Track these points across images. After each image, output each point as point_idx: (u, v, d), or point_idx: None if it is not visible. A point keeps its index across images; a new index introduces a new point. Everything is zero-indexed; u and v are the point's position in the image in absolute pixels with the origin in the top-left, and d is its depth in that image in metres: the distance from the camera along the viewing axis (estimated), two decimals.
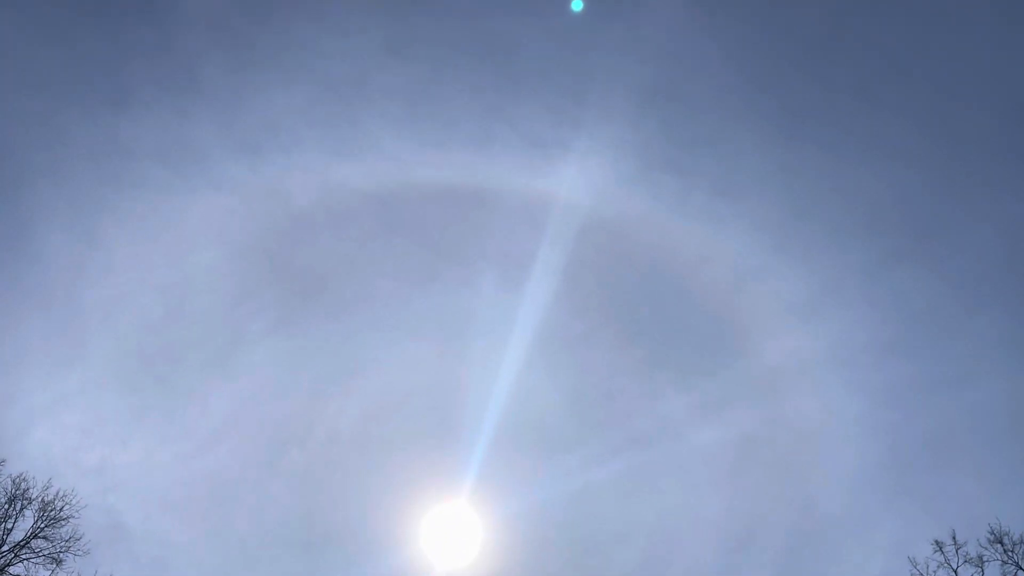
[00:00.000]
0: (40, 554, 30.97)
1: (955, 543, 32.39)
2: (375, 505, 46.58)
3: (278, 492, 49.51)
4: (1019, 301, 53.70)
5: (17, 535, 30.99)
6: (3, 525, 30.58)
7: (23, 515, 30.90)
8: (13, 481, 31.08)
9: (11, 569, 30.38)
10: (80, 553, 31.37)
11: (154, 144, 57.51)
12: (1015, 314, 53.07)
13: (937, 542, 32.73)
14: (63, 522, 31.08)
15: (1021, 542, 31.73)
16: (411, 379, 55.57)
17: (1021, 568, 31.54)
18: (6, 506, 30.64)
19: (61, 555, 31.06)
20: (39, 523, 30.94)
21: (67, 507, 31.24)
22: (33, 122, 55.18)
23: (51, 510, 30.97)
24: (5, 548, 30.52)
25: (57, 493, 31.50)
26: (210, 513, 46.64)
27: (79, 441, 44.19)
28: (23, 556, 30.73)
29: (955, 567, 32.48)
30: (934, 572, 32.68)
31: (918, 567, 33.13)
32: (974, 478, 46.73)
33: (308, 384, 55.37)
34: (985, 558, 32.00)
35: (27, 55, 55.16)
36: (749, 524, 48.89)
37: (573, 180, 58.07)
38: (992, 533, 32.05)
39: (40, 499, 31.24)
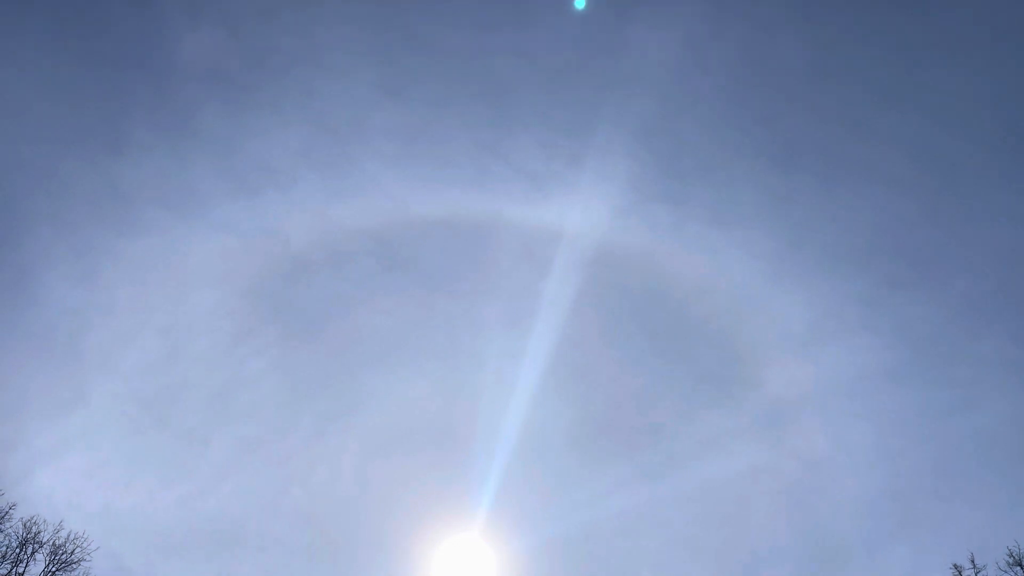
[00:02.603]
0: None
1: (974, 567, 32.13)
2: (382, 541, 46.00)
3: (281, 532, 48.86)
4: (1021, 324, 54.20)
5: None
6: (15, 569, 30.10)
7: (35, 559, 30.53)
8: (24, 525, 30.78)
9: None
10: None
11: (153, 188, 58.00)
12: (1017, 337, 53.58)
13: (956, 566, 32.36)
14: (74, 565, 30.67)
15: None
16: (413, 415, 55.38)
17: None
18: (18, 550, 30.22)
19: None
20: (50, 566, 30.57)
21: (78, 550, 30.87)
22: (35, 170, 55.72)
23: (62, 553, 30.57)
24: None
25: (68, 536, 31.20)
26: (213, 555, 45.83)
27: (82, 485, 43.70)
28: None
29: None
30: None
31: None
32: (983, 503, 46.70)
33: (309, 423, 55.11)
34: None
35: (29, 106, 55.82)
36: (757, 555, 48.47)
37: (569, 213, 58.72)
38: (1011, 556, 31.78)
39: (51, 542, 30.88)
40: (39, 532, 30.68)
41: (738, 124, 61.71)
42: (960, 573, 32.33)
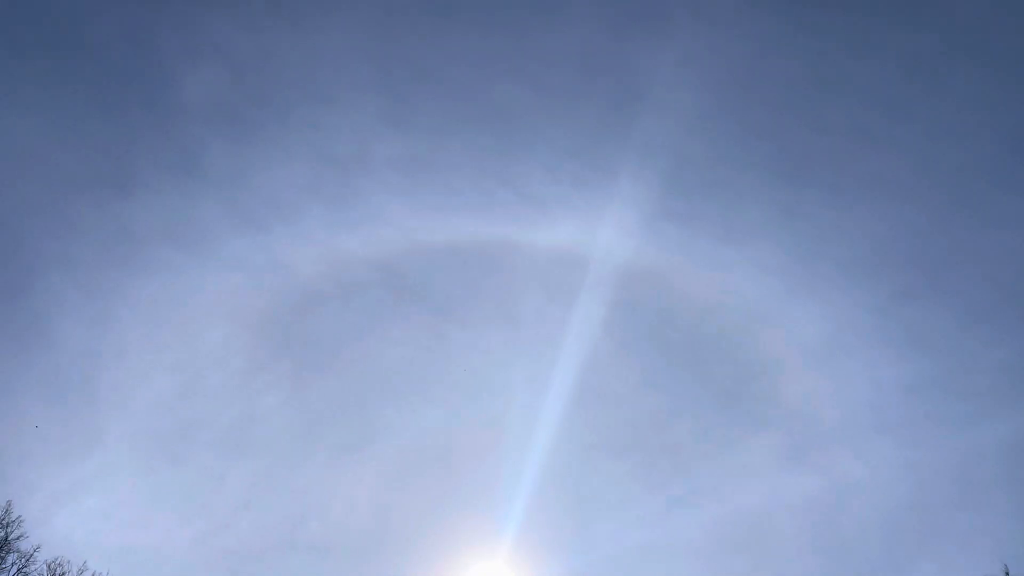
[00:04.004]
0: None
1: None
2: (403, 573, 45.54)
3: (299, 566, 48.33)
4: None
5: None
6: None
7: None
8: (49, 566, 30.70)
9: None
10: None
11: (161, 227, 58.28)
12: None
13: None
14: None
15: None
16: (427, 444, 55.05)
17: None
18: None
19: None
20: None
21: None
22: (45, 215, 56.16)
23: None
24: None
25: None
26: None
27: (100, 525, 43.43)
28: None
29: None
30: None
31: None
32: (1010, 513, 46.09)
33: (324, 455, 54.80)
34: None
35: (37, 151, 56.44)
36: None
37: (576, 236, 58.87)
38: None
39: None
40: (64, 574, 30.52)
41: (743, 140, 62.06)
42: None
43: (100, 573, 31.15)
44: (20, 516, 32.26)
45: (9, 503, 32.48)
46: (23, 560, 30.76)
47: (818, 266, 59.53)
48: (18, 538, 31.29)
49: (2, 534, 31.13)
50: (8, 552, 30.97)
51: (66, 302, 53.78)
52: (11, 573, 30.85)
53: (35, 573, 30.50)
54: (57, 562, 30.68)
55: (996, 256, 57.03)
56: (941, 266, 59.48)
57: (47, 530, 37.96)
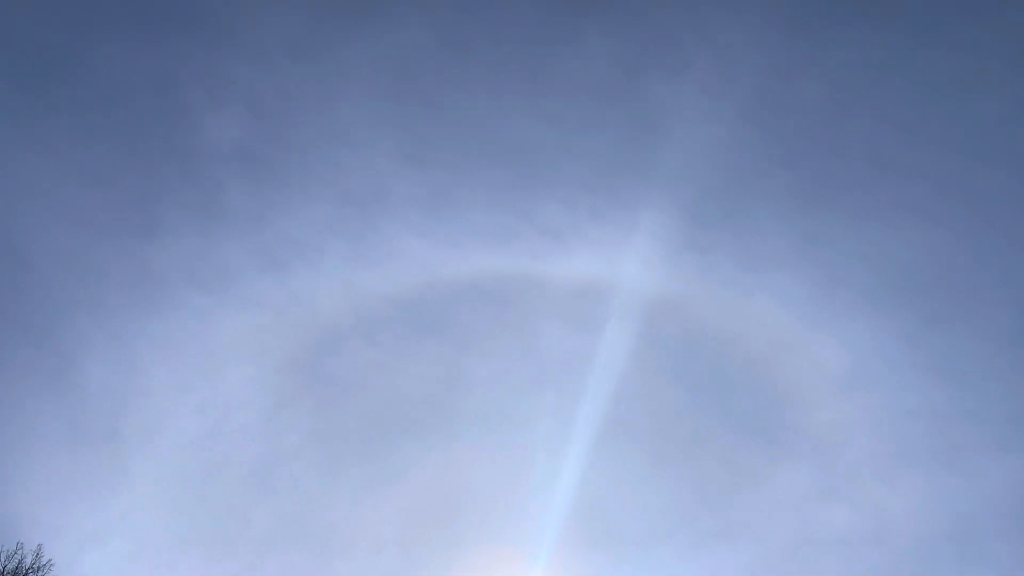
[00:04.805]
0: None
1: None
2: None
3: None
4: None
5: None
6: None
7: None
8: None
9: None
10: None
11: (185, 269, 59.03)
12: None
13: None
14: None
15: None
16: (451, 479, 54.73)
17: None
18: None
19: None
20: None
21: None
22: (70, 259, 57.00)
23: None
24: None
25: None
26: None
27: (127, 567, 43.44)
28: None
29: None
30: None
31: None
32: None
33: (349, 493, 54.59)
34: None
35: (62, 196, 57.54)
36: None
37: (594, 268, 58.90)
38: None
39: None
40: None
41: (761, 168, 62.08)
42: None
43: None
44: (51, 559, 32.47)
45: (40, 546, 32.66)
46: None
47: (841, 293, 59.11)
48: None
49: None
50: None
51: (93, 345, 54.45)
52: None
53: None
54: None
55: None
56: (968, 291, 58.81)
57: (76, 573, 38.13)
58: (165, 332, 56.47)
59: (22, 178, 56.30)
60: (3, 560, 32.27)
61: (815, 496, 51.25)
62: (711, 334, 58.21)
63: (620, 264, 58.30)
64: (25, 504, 44.48)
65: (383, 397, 59.10)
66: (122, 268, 58.32)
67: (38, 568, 32.05)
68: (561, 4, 63.06)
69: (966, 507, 49.67)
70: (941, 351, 55.84)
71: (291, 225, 61.00)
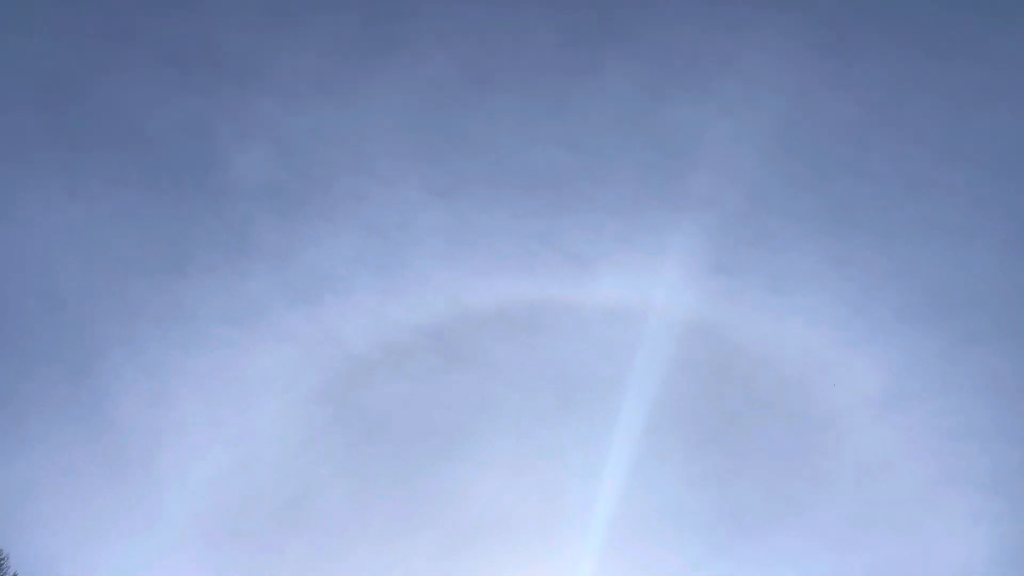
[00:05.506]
0: None
1: None
2: None
3: None
4: None
5: None
6: None
7: None
8: None
9: None
10: None
11: (216, 305, 59.83)
12: None
13: None
14: None
15: None
16: (483, 510, 54.40)
17: None
18: None
19: None
20: None
21: None
22: (105, 298, 58.14)
23: None
24: None
25: None
26: None
27: None
28: None
29: None
30: None
31: None
32: None
33: (379, 525, 54.47)
34: None
35: (97, 237, 58.94)
36: None
37: (621, 293, 58.57)
38: None
39: None
40: None
41: (786, 191, 61.58)
42: None
43: None
44: None
45: None
46: None
47: (874, 313, 58.12)
48: None
49: None
50: None
51: (127, 382, 55.24)
52: None
53: None
54: None
55: None
56: (1007, 308, 57.48)
57: None
58: (197, 367, 57.25)
59: (56, 220, 57.88)
60: None
61: (855, 523, 50.10)
62: (743, 358, 57.57)
63: (648, 289, 58.01)
64: (62, 542, 45.06)
65: (414, 428, 59.16)
66: (154, 305, 59.33)
67: None
68: (583, 33, 63.54)
69: (1013, 532, 48.25)
70: (981, 370, 54.63)
71: (319, 259, 61.72)
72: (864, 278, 59.60)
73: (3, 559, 35.12)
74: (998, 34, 58.30)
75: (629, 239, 60.50)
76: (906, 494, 50.86)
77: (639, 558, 50.48)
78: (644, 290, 57.89)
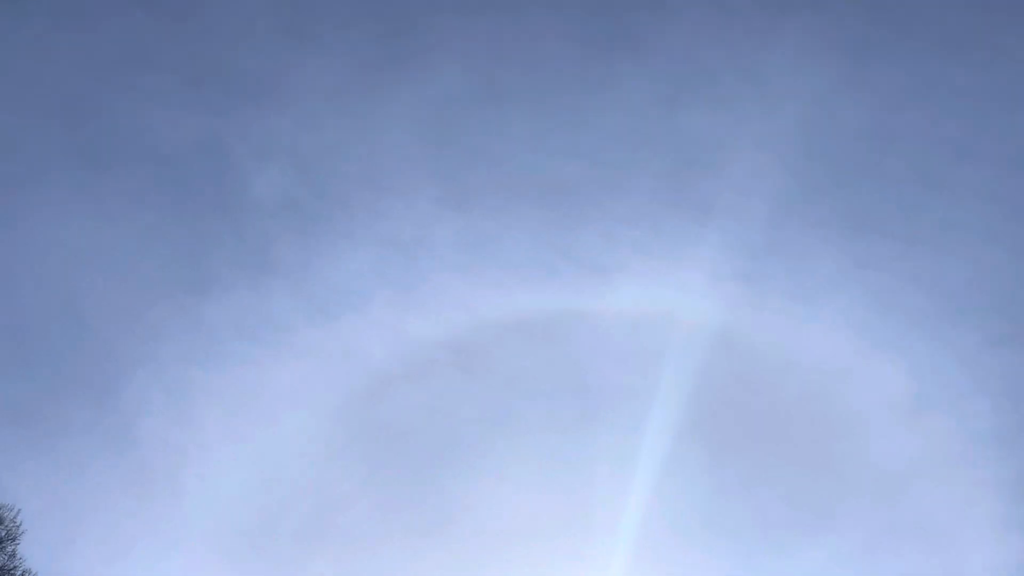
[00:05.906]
0: None
1: None
2: None
3: None
4: None
5: None
6: None
7: None
8: None
9: None
10: None
11: (236, 323, 60.23)
12: None
13: None
14: None
15: None
16: (505, 523, 54.17)
17: None
18: None
19: None
20: None
21: None
22: (128, 319, 58.59)
23: None
24: None
25: None
26: None
27: None
28: None
29: None
30: None
31: None
32: None
33: (401, 539, 54.37)
34: None
35: (120, 259, 59.55)
36: None
37: (639, 302, 58.36)
38: None
39: None
40: None
41: (806, 197, 61.23)
42: None
43: None
44: None
45: None
46: None
47: (897, 317, 57.55)
48: None
49: None
50: None
51: (151, 401, 55.62)
52: None
53: None
54: None
55: None
56: None
57: None
58: (219, 385, 57.59)
59: (78, 242, 58.51)
60: None
61: (883, 533, 49.41)
62: (765, 366, 57.13)
63: (667, 298, 57.77)
64: (89, 560, 45.22)
65: (435, 441, 59.09)
66: (176, 324, 59.77)
67: None
68: (597, 44, 63.72)
69: None
70: (1009, 373, 53.89)
71: (338, 274, 62.05)
72: (887, 282, 59.15)
73: None
74: (1016, 37, 57.92)
75: (647, 248, 60.45)
76: (934, 501, 50.19)
77: (665, 569, 50.11)
78: (663, 299, 57.68)
